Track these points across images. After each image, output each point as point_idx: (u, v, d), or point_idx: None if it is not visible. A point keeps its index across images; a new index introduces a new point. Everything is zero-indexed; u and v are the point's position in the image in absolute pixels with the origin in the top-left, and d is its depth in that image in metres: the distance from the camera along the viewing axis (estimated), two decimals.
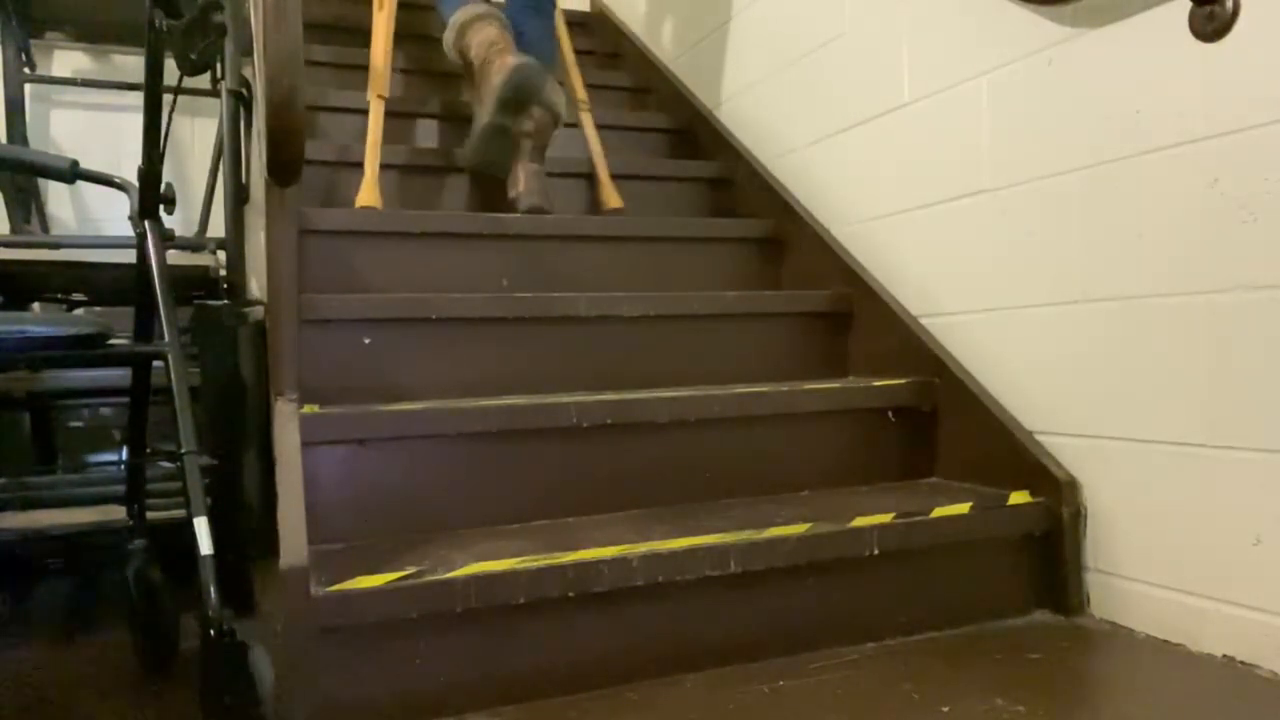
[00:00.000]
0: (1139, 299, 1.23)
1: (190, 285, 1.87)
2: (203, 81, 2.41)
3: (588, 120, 2.10)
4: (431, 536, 1.24)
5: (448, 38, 1.94)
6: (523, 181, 1.83)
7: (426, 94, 2.30)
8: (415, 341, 1.47)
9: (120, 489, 1.63)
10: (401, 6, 2.65)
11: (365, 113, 2.11)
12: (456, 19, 1.91)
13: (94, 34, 2.72)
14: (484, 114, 1.82)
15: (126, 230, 1.39)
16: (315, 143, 1.91)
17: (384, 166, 1.88)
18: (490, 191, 1.96)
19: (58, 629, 1.66)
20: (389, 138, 2.10)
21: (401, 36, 2.61)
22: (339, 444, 1.24)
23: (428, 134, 2.16)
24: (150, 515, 1.54)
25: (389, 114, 2.12)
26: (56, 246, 1.96)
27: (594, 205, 2.05)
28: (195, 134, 2.80)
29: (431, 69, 2.37)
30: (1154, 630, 1.22)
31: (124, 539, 1.53)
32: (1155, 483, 1.22)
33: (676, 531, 1.19)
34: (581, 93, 2.14)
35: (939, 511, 1.27)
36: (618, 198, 2.01)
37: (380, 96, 1.86)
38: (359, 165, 1.85)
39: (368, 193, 1.77)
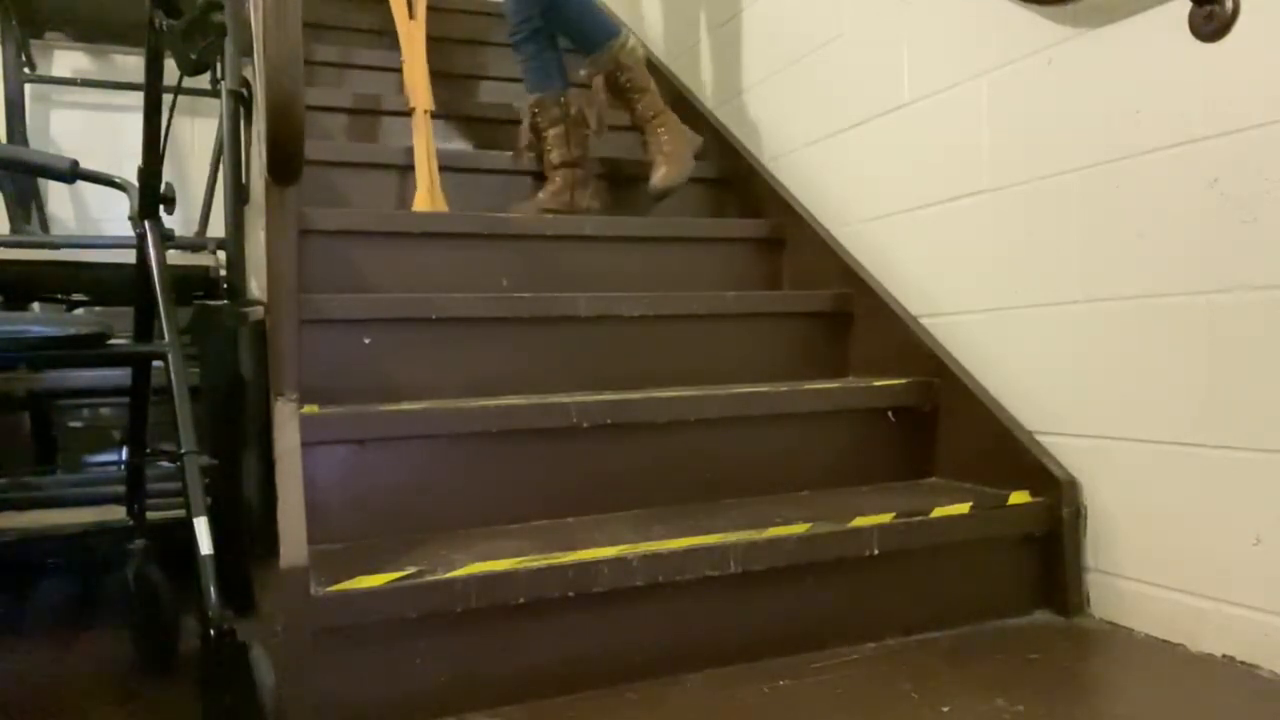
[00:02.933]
0: (1139, 299, 1.23)
1: (190, 285, 1.87)
2: (203, 81, 2.41)
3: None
4: (431, 536, 1.24)
5: (636, 52, 2.00)
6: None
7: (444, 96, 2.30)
8: (415, 341, 1.47)
9: (120, 489, 1.62)
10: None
11: (365, 112, 2.11)
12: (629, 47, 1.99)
13: (94, 34, 2.71)
14: (688, 156, 1.97)
15: (126, 230, 1.39)
16: (315, 142, 1.91)
17: (388, 166, 1.89)
18: (494, 193, 1.97)
19: (58, 629, 1.66)
20: (398, 138, 2.11)
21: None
22: (339, 444, 1.24)
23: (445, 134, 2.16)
24: (150, 515, 1.54)
25: (397, 113, 2.13)
26: (56, 246, 1.96)
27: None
28: (195, 134, 2.80)
29: (452, 71, 2.38)
30: (1154, 630, 1.22)
31: (124, 539, 1.53)
32: (1155, 483, 1.22)
33: (676, 531, 1.19)
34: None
35: (939, 511, 1.27)
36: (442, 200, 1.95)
37: (426, 111, 1.95)
38: (359, 166, 1.85)
39: (423, 199, 1.84)
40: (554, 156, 1.94)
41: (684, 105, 2.38)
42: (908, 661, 1.15)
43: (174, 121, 1.31)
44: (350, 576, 1.02)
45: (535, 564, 1.06)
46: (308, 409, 1.25)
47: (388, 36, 2.50)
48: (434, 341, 1.48)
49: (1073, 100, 1.31)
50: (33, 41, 2.65)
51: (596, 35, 1.95)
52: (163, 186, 1.32)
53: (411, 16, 2.06)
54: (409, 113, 2.00)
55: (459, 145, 2.20)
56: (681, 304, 1.64)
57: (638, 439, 1.38)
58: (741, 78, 2.18)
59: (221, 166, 2.17)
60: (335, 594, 0.99)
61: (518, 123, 2.03)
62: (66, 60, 2.76)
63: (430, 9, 2.47)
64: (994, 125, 1.45)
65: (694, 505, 1.38)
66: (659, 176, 1.92)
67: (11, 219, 2.46)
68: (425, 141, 1.90)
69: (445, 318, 1.48)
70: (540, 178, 1.98)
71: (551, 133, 1.95)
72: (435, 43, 2.32)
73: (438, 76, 2.36)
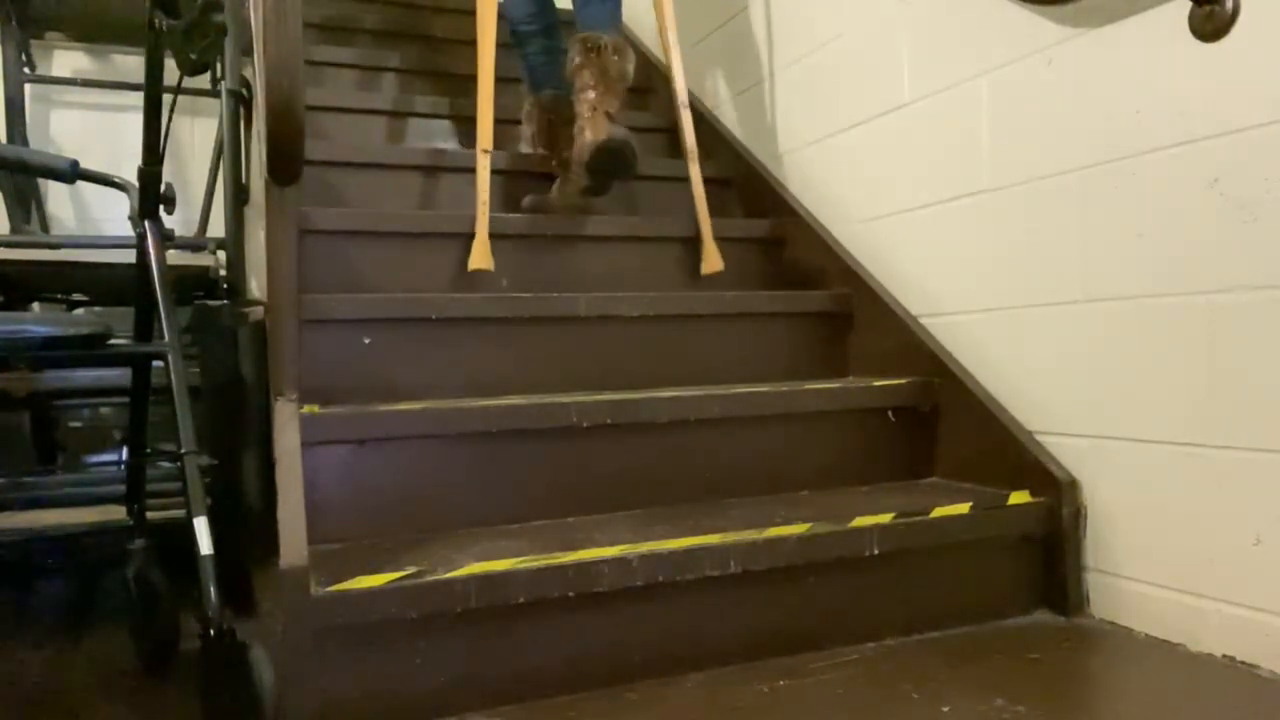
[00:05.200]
0: (1139, 299, 1.23)
1: (190, 285, 1.87)
2: (203, 81, 2.41)
3: (695, 170, 1.91)
4: (431, 536, 1.24)
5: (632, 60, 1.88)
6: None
7: (430, 93, 2.30)
8: (415, 341, 1.47)
9: (120, 489, 1.62)
10: (404, 6, 2.66)
11: (364, 112, 2.11)
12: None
13: (94, 34, 2.72)
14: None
15: (126, 230, 1.40)
16: (315, 142, 1.91)
17: (392, 167, 1.88)
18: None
19: (58, 629, 1.66)
20: (396, 138, 2.10)
21: (399, 36, 2.62)
22: (339, 444, 1.24)
23: (428, 134, 2.16)
24: (150, 515, 1.54)
25: (392, 113, 2.13)
26: (57, 246, 1.96)
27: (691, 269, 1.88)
28: (195, 134, 2.80)
29: (437, 69, 2.37)
30: (1154, 630, 1.22)
31: (124, 539, 1.53)
32: (1155, 483, 1.22)
33: (676, 531, 1.19)
34: (690, 141, 1.92)
35: (939, 511, 1.27)
36: (719, 260, 1.85)
37: (485, 151, 1.77)
38: (359, 166, 1.85)
39: (480, 256, 1.68)
40: (570, 154, 1.93)
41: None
42: (908, 661, 1.15)
43: (174, 121, 1.31)
44: (350, 576, 1.02)
45: (535, 564, 1.06)
46: (308, 409, 1.25)
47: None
48: (434, 341, 1.48)
49: (1073, 100, 1.31)
50: (33, 41, 2.65)
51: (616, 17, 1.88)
52: (163, 186, 1.32)
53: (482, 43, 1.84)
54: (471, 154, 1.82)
55: (458, 145, 2.20)
56: (681, 304, 1.64)
57: (638, 439, 1.38)
58: (741, 78, 2.18)
59: (221, 166, 2.18)
60: (335, 594, 0.99)
61: (515, 122, 2.02)
62: (66, 60, 2.77)
63: (433, 10, 2.46)
64: (994, 125, 1.45)
65: (694, 505, 1.38)
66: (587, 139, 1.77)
67: (11, 219, 2.46)
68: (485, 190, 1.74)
69: (445, 318, 1.48)
70: (538, 177, 1.97)
71: (565, 130, 1.93)
72: (440, 44, 2.33)
73: (438, 77, 2.37)
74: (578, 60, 1.80)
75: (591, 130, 1.75)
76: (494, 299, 1.51)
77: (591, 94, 1.77)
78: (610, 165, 1.73)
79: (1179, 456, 1.19)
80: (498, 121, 2.20)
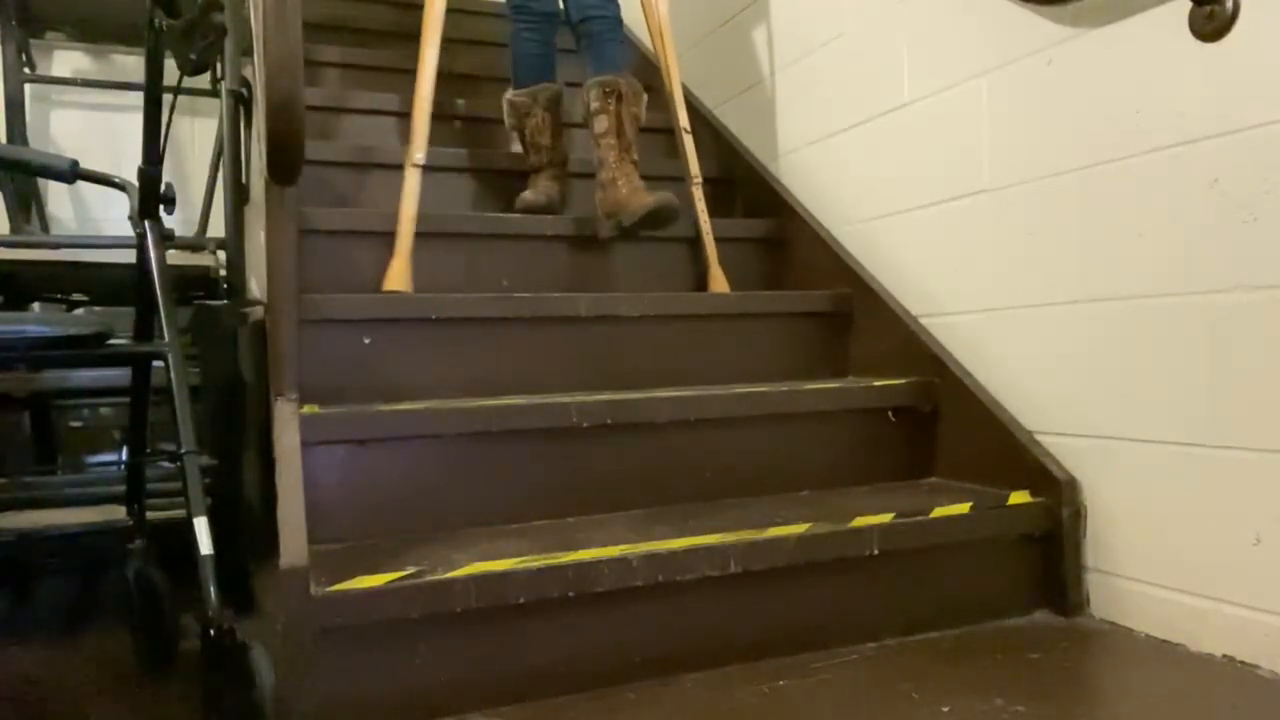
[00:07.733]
0: (1139, 299, 1.23)
1: (190, 285, 1.87)
2: (203, 81, 2.41)
3: (699, 196, 1.89)
4: (431, 536, 1.24)
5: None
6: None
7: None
8: (415, 341, 1.47)
9: (120, 489, 1.63)
10: (399, 6, 2.66)
11: (366, 113, 2.11)
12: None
13: (94, 34, 2.72)
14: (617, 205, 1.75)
15: (126, 230, 1.40)
16: (317, 143, 1.91)
17: (382, 166, 1.88)
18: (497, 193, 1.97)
19: (58, 629, 1.66)
20: (386, 138, 2.10)
21: (398, 36, 2.62)
22: (339, 444, 1.24)
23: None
24: (150, 515, 1.54)
25: (385, 113, 2.12)
26: (56, 246, 1.96)
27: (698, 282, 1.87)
28: (195, 134, 2.80)
29: (452, 71, 2.37)
30: (1154, 630, 1.22)
31: (124, 539, 1.53)
32: (1155, 483, 1.22)
33: (676, 531, 1.19)
34: (694, 167, 1.91)
35: (939, 511, 1.27)
36: (724, 283, 1.82)
37: (416, 165, 1.63)
38: (359, 166, 1.85)
39: (397, 276, 1.59)
40: (559, 151, 1.91)
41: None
42: (908, 661, 1.15)
43: (174, 121, 1.31)
44: (350, 576, 1.02)
45: (535, 564, 1.06)
46: (308, 409, 1.25)
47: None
48: (434, 341, 1.48)
49: (1073, 100, 1.31)
50: (33, 41, 2.65)
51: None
52: (163, 186, 1.32)
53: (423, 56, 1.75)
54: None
55: (456, 147, 2.20)
56: (681, 304, 1.64)
57: (638, 439, 1.38)
58: (741, 78, 2.18)
59: (221, 166, 2.18)
60: (335, 594, 0.99)
61: (499, 122, 1.99)
62: (66, 60, 2.77)
63: (403, 5, 2.43)
64: (994, 125, 1.45)
65: (694, 505, 1.38)
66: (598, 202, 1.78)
67: (11, 219, 2.46)
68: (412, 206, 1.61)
69: (445, 318, 1.48)
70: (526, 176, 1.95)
71: (550, 127, 1.92)
72: (446, 43, 2.32)
73: (447, 78, 2.35)
74: (597, 104, 1.78)
75: (628, 188, 1.72)
76: (494, 299, 1.51)
77: (615, 140, 1.77)
78: (652, 226, 1.71)
79: (1179, 456, 1.19)
80: (487, 120, 2.20)
